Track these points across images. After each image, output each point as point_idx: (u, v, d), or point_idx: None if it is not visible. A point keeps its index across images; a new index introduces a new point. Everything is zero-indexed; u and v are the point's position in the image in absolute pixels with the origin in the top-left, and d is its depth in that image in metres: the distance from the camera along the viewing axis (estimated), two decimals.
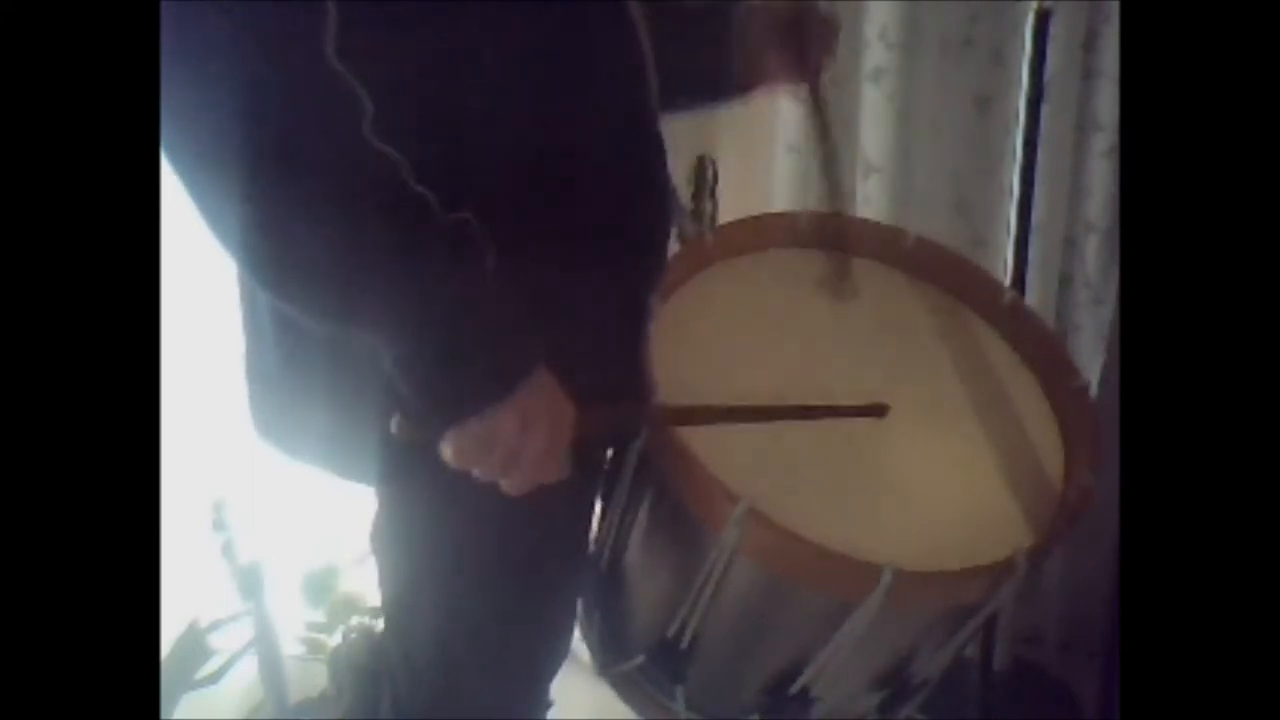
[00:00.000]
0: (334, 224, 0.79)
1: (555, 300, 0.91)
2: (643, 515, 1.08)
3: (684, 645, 1.06)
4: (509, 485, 0.90)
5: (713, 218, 1.75)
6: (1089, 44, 1.66)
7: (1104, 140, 1.69)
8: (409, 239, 0.82)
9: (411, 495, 1.03)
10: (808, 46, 1.16)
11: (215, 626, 1.67)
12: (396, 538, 1.08)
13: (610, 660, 1.17)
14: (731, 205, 1.77)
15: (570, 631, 1.17)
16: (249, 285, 1.01)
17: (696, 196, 1.73)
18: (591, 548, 1.15)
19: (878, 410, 1.06)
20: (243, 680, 1.71)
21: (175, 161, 0.77)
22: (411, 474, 0.98)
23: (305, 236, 0.79)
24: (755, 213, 1.24)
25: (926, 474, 1.07)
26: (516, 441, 0.87)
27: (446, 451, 0.87)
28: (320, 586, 1.82)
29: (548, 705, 1.20)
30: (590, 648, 1.21)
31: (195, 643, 1.65)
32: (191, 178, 0.78)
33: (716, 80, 1.15)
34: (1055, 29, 1.46)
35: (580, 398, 0.91)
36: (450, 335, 0.84)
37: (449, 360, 0.85)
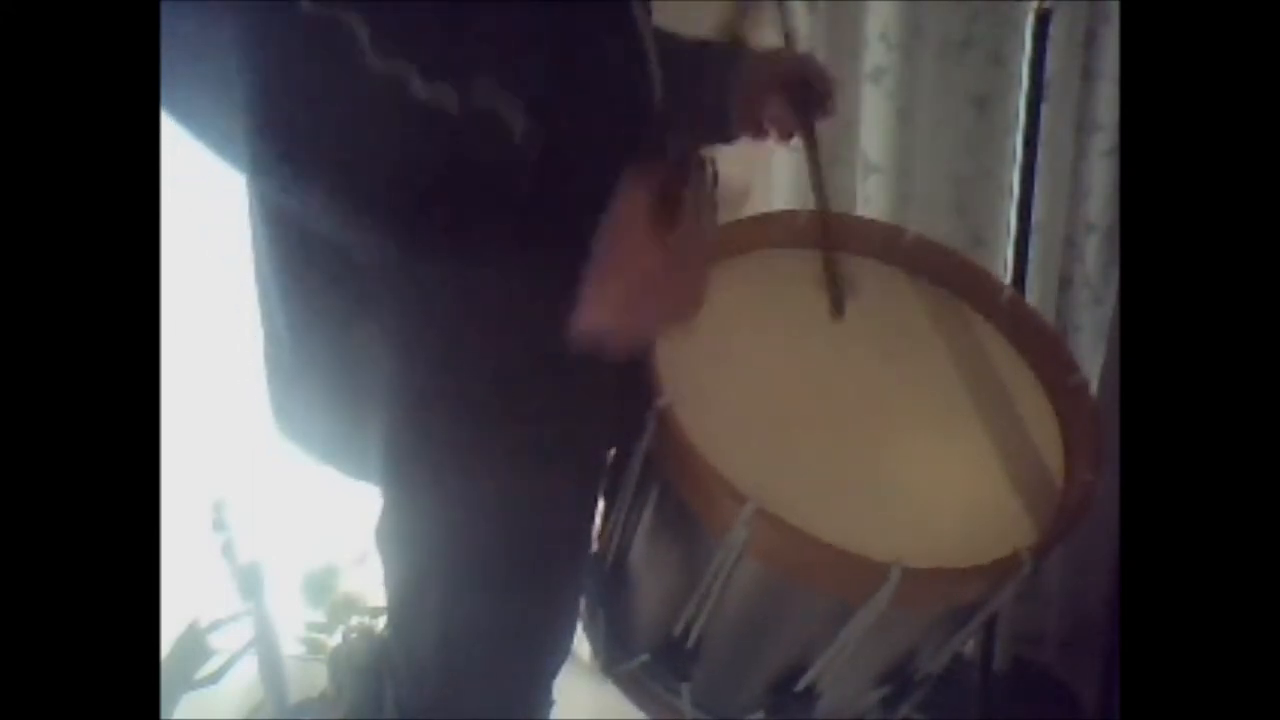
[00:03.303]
0: (343, 143, 0.76)
1: (558, 299, 0.91)
2: (648, 514, 1.08)
3: (689, 644, 1.07)
4: (673, 296, 0.85)
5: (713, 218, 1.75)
6: (1089, 44, 1.66)
7: (1104, 140, 1.69)
8: (425, 136, 0.78)
9: (416, 494, 1.03)
10: (805, 104, 1.17)
11: (215, 626, 1.67)
12: (401, 537, 1.08)
13: (615, 659, 1.17)
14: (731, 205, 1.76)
15: (573, 630, 1.17)
16: (263, 281, 1.00)
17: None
18: (596, 546, 1.15)
19: None
20: (243, 680, 1.71)
21: (174, 112, 0.76)
22: (416, 473, 0.99)
23: (316, 148, 0.77)
24: (755, 213, 1.24)
25: (927, 472, 1.07)
26: (641, 261, 0.82)
27: (584, 317, 0.82)
28: (320, 586, 1.82)
29: (550, 704, 1.20)
30: (595, 647, 1.21)
31: (195, 643, 1.65)
32: (196, 126, 0.77)
33: (712, 121, 1.16)
34: (1055, 29, 1.46)
35: (583, 395, 0.91)
36: (511, 219, 0.80)
37: (520, 243, 0.81)
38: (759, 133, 1.21)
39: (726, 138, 1.19)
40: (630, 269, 0.82)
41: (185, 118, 0.77)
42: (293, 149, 0.76)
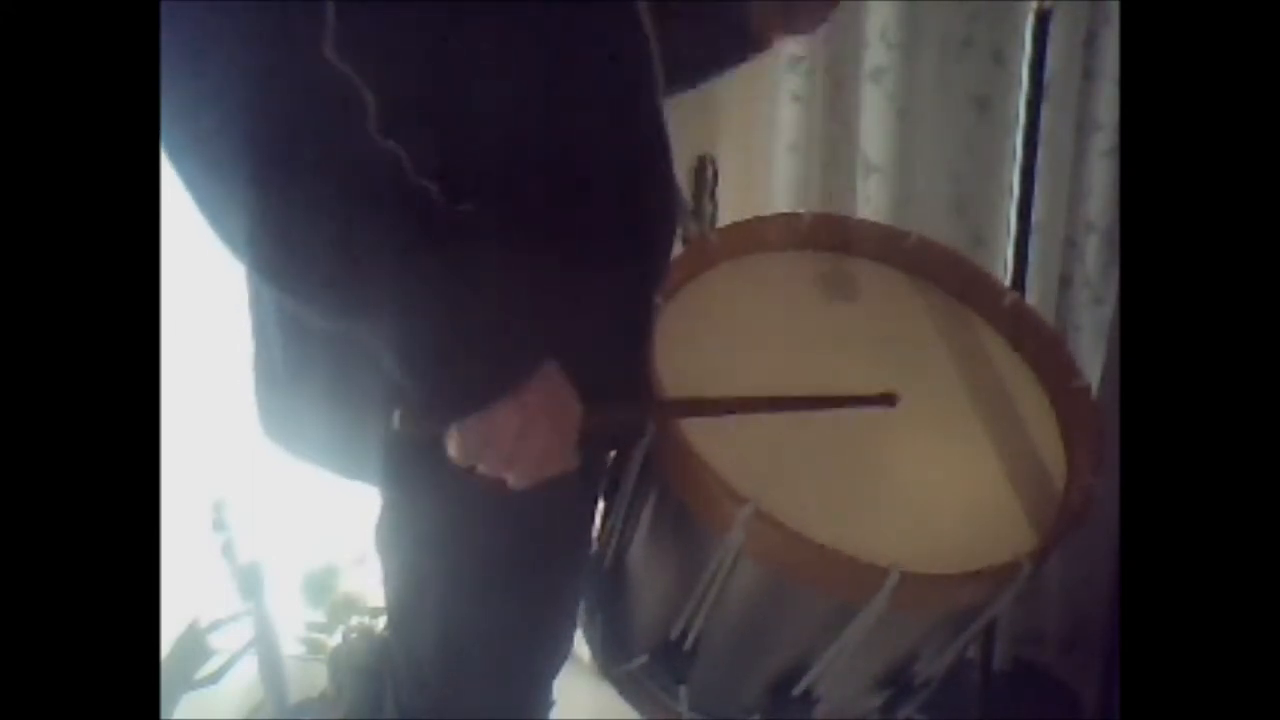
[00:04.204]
0: (336, 220, 0.79)
1: (560, 299, 0.91)
2: (646, 515, 1.08)
3: (687, 646, 1.06)
4: (513, 479, 0.90)
5: (713, 218, 1.75)
6: (1089, 44, 1.66)
7: (1104, 140, 1.69)
8: (410, 233, 0.82)
9: (415, 495, 1.03)
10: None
11: (215, 626, 1.67)
12: (400, 538, 1.08)
13: (613, 660, 1.17)
14: (731, 205, 1.77)
15: (572, 631, 1.17)
16: (254, 284, 1.01)
17: (697, 196, 1.73)
18: (595, 548, 1.15)
19: (887, 400, 1.05)
20: (243, 680, 1.70)
21: (177, 162, 0.78)
22: (415, 474, 0.99)
23: (308, 232, 0.80)
24: (755, 213, 1.24)
25: (929, 475, 1.07)
26: (519, 438, 0.87)
27: (450, 447, 0.87)
28: (320, 586, 1.82)
29: (550, 705, 1.20)
30: (593, 648, 1.21)
31: (195, 643, 1.65)
32: (193, 178, 0.78)
33: (728, 44, 1.13)
34: (1055, 29, 1.46)
35: (584, 397, 0.91)
36: (452, 329, 0.84)
37: (451, 355, 0.85)
38: (772, 39, 1.13)
39: (740, 58, 1.14)
40: (497, 432, 0.87)
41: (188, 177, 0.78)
42: (289, 192, 0.78)
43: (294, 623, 1.78)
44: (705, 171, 1.73)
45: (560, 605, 1.14)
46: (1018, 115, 1.48)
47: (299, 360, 0.98)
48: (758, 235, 1.21)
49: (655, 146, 1.03)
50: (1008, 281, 1.51)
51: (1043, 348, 1.19)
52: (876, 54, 1.73)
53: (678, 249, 1.13)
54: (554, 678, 1.17)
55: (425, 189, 0.82)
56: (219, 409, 1.57)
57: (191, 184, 0.79)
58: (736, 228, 1.21)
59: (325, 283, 0.83)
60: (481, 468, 0.89)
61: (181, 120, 0.75)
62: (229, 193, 0.78)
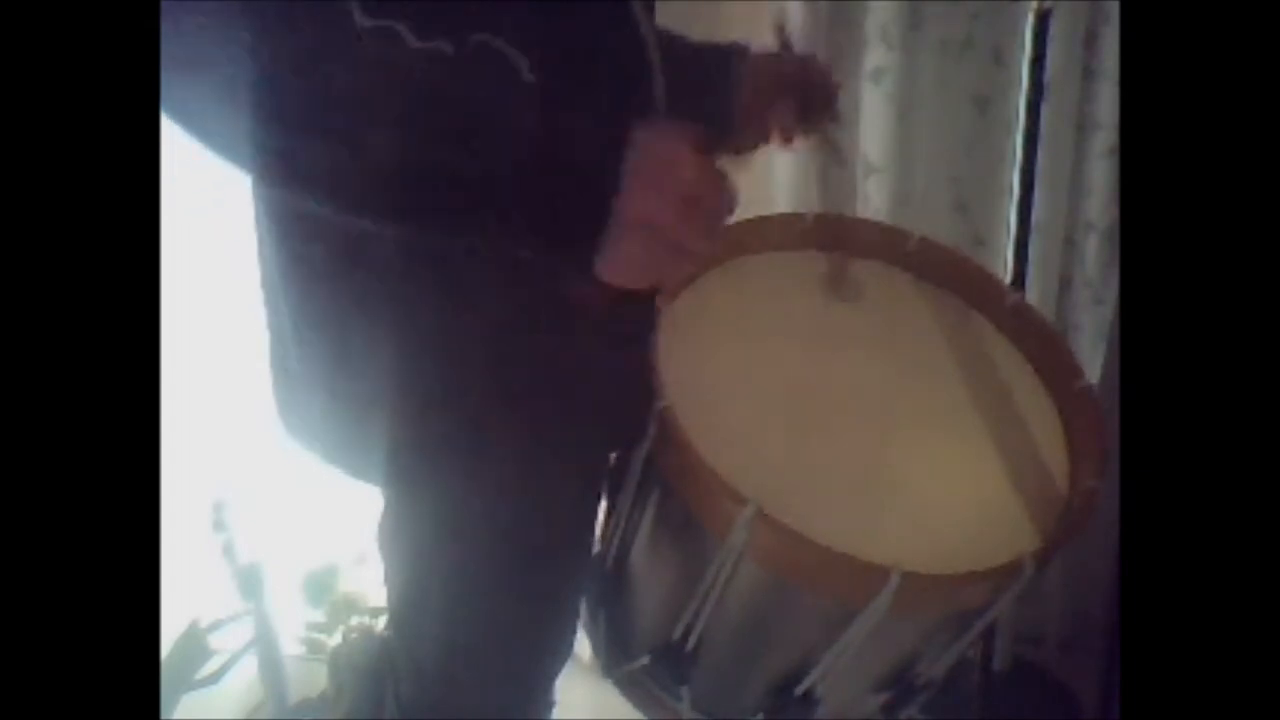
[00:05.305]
0: (349, 104, 0.74)
1: (561, 299, 0.91)
2: (648, 516, 1.08)
3: (689, 647, 1.06)
4: (698, 244, 0.79)
5: None
6: (1089, 44, 1.66)
7: (1104, 140, 1.69)
8: (429, 89, 0.75)
9: (418, 496, 1.03)
10: (809, 107, 1.16)
11: (215, 626, 1.67)
12: (403, 537, 1.08)
13: (615, 661, 1.17)
14: None
15: (574, 631, 1.17)
16: (270, 279, 1.00)
17: None
18: (597, 548, 1.15)
19: None
20: (243, 680, 1.71)
21: (168, 86, 0.72)
22: (418, 474, 0.99)
23: (327, 125, 0.74)
24: (755, 213, 1.24)
25: (931, 476, 1.07)
26: (665, 213, 0.77)
27: (611, 276, 0.77)
28: (320, 586, 1.82)
29: (551, 705, 1.20)
30: (595, 648, 1.21)
31: (195, 643, 1.65)
32: (194, 106, 0.74)
33: (714, 125, 1.15)
34: (1055, 29, 1.46)
35: (584, 397, 0.91)
36: (526, 159, 0.75)
37: (537, 192, 0.76)
38: (762, 137, 1.19)
39: (729, 142, 1.19)
40: (637, 227, 0.76)
41: (185, 115, 0.75)
42: (296, 121, 0.74)
43: (294, 623, 1.78)
44: None
45: (562, 605, 1.14)
46: (1018, 115, 1.48)
47: (311, 358, 0.98)
48: (760, 235, 1.21)
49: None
50: (1007, 282, 1.51)
51: (1046, 348, 1.18)
52: (876, 54, 1.73)
53: None
54: (555, 678, 1.18)
55: (435, 48, 0.75)
56: (220, 409, 1.57)
57: (193, 118, 0.75)
58: (738, 227, 1.21)
59: (353, 173, 0.75)
60: (660, 265, 0.79)
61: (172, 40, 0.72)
62: (231, 104, 0.73)
